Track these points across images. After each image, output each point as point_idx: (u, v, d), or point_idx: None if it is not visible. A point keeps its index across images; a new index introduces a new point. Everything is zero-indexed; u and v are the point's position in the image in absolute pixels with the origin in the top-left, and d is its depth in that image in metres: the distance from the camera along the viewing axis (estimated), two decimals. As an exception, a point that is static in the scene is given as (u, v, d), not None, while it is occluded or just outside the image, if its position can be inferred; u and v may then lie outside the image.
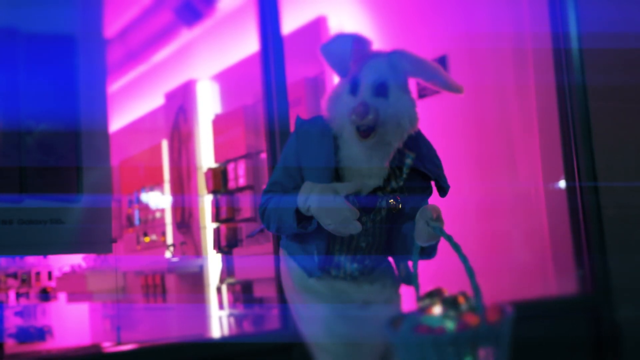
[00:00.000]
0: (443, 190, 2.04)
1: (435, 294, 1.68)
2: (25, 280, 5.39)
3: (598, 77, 3.44)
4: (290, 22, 3.70)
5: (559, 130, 3.41)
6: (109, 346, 3.01)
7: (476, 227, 3.62)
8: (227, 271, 4.88)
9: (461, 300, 1.64)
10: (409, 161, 2.01)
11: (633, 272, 3.35)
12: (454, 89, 1.96)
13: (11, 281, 5.36)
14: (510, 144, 3.62)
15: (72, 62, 2.62)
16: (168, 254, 5.71)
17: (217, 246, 4.97)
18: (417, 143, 2.05)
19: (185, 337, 3.56)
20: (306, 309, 1.99)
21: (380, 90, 1.88)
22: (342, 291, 1.97)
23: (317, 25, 4.20)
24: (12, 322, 5.22)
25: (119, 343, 2.95)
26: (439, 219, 1.81)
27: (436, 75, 1.94)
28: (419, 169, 2.00)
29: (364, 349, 1.95)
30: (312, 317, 1.98)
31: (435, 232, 1.77)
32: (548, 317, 3.20)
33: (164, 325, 5.30)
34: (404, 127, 1.90)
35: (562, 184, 3.42)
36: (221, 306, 4.99)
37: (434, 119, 3.90)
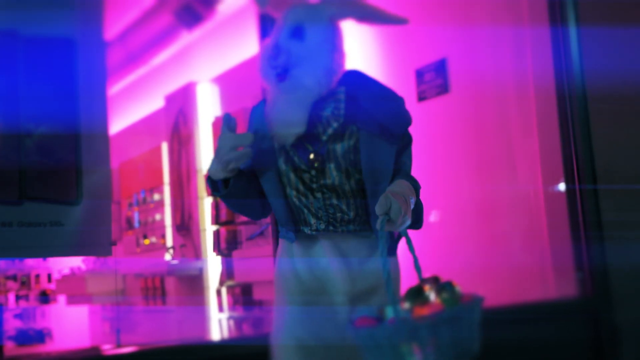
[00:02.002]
0: (403, 152, 1.89)
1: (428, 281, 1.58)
2: (25, 283, 5.38)
3: (598, 79, 3.44)
4: (290, 25, 3.70)
5: (559, 133, 3.41)
6: (108, 349, 3.01)
7: (476, 229, 3.62)
8: (227, 274, 4.89)
9: (426, 288, 1.54)
10: (338, 105, 1.88)
11: (632, 275, 3.35)
12: (395, 20, 1.94)
13: (11, 283, 5.36)
14: (509, 147, 3.62)
15: (72, 65, 2.63)
16: (168, 257, 5.71)
17: (217, 249, 4.97)
18: (362, 87, 1.93)
19: (184, 339, 3.56)
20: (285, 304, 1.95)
21: (296, 32, 1.86)
22: (318, 252, 1.87)
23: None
24: (12, 325, 5.22)
25: (119, 345, 2.94)
26: (394, 213, 1.66)
27: (369, 11, 1.92)
28: (364, 118, 1.86)
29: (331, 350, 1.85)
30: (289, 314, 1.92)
31: (383, 229, 1.66)
32: (547, 320, 3.19)
33: (164, 327, 5.30)
34: (321, 70, 1.83)
35: (561, 186, 3.42)
36: (221, 309, 4.99)
37: (434, 121, 3.91)
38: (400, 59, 4.08)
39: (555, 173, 3.44)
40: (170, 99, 5.69)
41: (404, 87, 4.03)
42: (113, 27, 5.36)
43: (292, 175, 1.86)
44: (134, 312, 5.73)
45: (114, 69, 5.67)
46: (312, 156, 1.84)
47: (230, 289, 4.90)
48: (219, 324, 4.94)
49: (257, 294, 4.48)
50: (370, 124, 1.85)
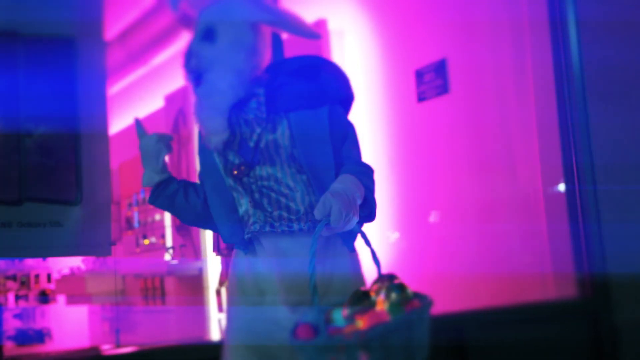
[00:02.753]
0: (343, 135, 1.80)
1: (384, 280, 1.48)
2: (25, 283, 5.38)
3: (598, 77, 3.44)
4: (290, 25, 3.69)
5: (559, 133, 3.41)
6: (108, 349, 3.01)
7: (475, 230, 3.62)
8: (227, 274, 4.88)
9: (373, 291, 1.45)
10: (260, 107, 1.80)
11: (632, 276, 3.35)
12: (307, 34, 1.91)
13: (10, 283, 5.36)
14: (509, 147, 3.62)
15: (71, 65, 2.63)
16: (167, 257, 5.71)
17: (217, 249, 4.96)
18: (284, 75, 1.86)
19: (184, 339, 3.55)
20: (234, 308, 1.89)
21: (207, 34, 1.80)
22: (260, 253, 1.82)
23: (317, 28, 4.20)
24: (11, 325, 5.22)
25: (118, 346, 2.94)
26: (334, 217, 1.58)
27: (282, 19, 1.87)
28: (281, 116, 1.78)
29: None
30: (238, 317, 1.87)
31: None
32: (547, 320, 3.19)
33: (163, 327, 5.30)
34: (233, 73, 1.76)
35: (561, 186, 3.42)
36: (220, 309, 4.98)
37: (434, 122, 3.91)
38: (399, 60, 4.07)
39: (555, 173, 3.44)
40: (170, 99, 5.68)
41: (404, 88, 4.03)
42: (113, 27, 5.35)
43: (230, 180, 1.81)
44: (134, 312, 5.73)
45: (114, 69, 5.67)
46: (237, 162, 1.79)
47: (229, 289, 4.89)
48: (218, 324, 4.94)
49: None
50: (298, 112, 1.78)
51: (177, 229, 5.55)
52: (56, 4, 2.64)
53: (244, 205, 1.81)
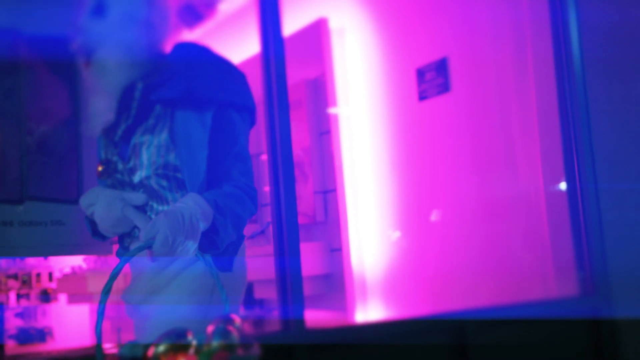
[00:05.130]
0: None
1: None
2: (26, 282, 5.38)
3: (599, 78, 3.44)
4: (291, 24, 3.70)
5: (560, 132, 3.41)
6: (109, 347, 3.01)
7: (476, 228, 3.62)
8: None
9: (189, 334, 1.26)
10: (136, 95, 1.62)
11: (633, 275, 3.35)
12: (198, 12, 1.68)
13: (12, 282, 5.36)
14: (510, 145, 3.62)
15: (73, 64, 2.63)
16: (168, 256, 5.69)
17: (218, 248, 4.96)
18: (184, 63, 1.69)
19: (185, 338, 3.54)
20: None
21: (97, 9, 1.62)
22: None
23: (318, 27, 4.20)
24: (13, 324, 5.22)
25: (120, 345, 2.94)
26: (157, 243, 1.40)
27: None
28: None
29: None
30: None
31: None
32: (548, 319, 3.19)
33: (165, 326, 5.29)
34: (126, 49, 1.60)
35: (562, 185, 3.42)
36: (221, 308, 4.99)
37: (435, 121, 3.91)
38: (401, 58, 4.07)
39: (556, 172, 3.44)
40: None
41: (405, 87, 4.03)
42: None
43: (111, 181, 1.68)
44: (135, 311, 5.72)
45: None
46: (112, 156, 1.64)
47: (231, 288, 4.89)
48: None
49: (258, 293, 4.47)
50: (183, 112, 1.60)
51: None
52: (58, 3, 2.64)
53: None
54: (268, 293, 4.20)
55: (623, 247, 3.41)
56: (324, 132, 4.22)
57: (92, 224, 1.74)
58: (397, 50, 4.10)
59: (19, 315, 5.31)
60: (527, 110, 3.55)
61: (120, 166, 1.64)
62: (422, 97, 3.92)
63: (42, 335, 5.30)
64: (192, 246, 1.46)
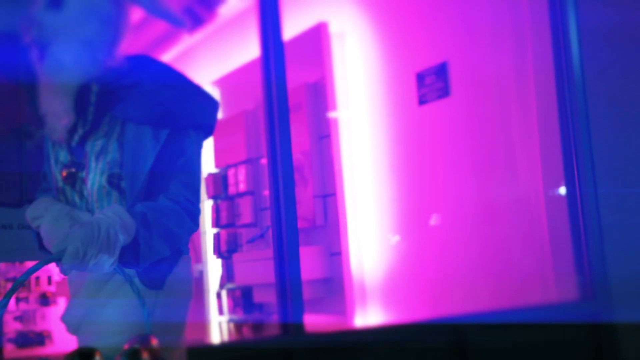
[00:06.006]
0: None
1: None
2: (25, 285, 5.37)
3: (599, 81, 3.45)
4: (291, 28, 3.70)
5: (559, 136, 3.41)
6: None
7: (476, 232, 3.62)
8: (227, 277, 4.88)
9: (144, 354, 1.24)
10: (92, 98, 1.54)
11: (633, 278, 3.35)
12: (171, 20, 1.64)
13: (11, 286, 5.35)
14: (510, 150, 3.62)
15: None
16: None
17: (217, 251, 4.96)
18: (143, 75, 1.58)
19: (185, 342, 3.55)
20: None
21: (54, 1, 1.52)
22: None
23: (318, 31, 4.21)
24: (12, 327, 5.21)
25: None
26: (68, 255, 1.31)
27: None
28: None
29: None
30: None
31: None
32: (547, 323, 3.19)
33: (164, 330, 5.28)
34: (83, 45, 1.51)
35: (562, 189, 3.42)
36: (221, 312, 4.98)
37: (435, 125, 3.91)
38: (400, 62, 4.08)
39: (556, 176, 3.44)
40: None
41: (405, 91, 4.03)
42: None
43: (60, 183, 1.60)
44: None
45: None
46: (68, 161, 1.56)
47: (230, 292, 4.89)
48: (219, 327, 4.94)
49: (258, 297, 4.47)
50: (137, 126, 1.52)
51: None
52: None
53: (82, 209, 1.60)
54: (268, 297, 4.20)
55: (623, 251, 3.41)
56: (324, 136, 4.23)
57: (38, 235, 1.63)
58: (397, 55, 4.11)
59: (18, 318, 5.30)
60: (526, 115, 3.55)
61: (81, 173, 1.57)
62: (422, 101, 3.92)
63: (41, 338, 5.28)
64: (107, 260, 1.36)
